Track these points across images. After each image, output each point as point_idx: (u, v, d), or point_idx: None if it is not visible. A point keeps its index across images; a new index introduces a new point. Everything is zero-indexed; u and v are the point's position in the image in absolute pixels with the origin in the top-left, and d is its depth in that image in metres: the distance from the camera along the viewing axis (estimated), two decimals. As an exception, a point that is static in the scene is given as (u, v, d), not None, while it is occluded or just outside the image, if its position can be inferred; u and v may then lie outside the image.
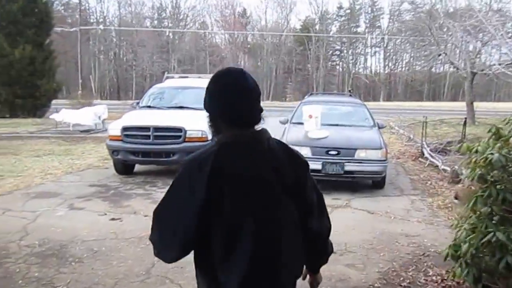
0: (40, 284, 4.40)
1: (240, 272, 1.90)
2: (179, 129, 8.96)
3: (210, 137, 9.01)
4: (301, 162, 2.13)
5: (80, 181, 8.91)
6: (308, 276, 2.35)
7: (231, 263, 1.91)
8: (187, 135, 8.94)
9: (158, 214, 1.99)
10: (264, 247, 1.94)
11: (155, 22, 68.97)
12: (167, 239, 1.94)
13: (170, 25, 67.82)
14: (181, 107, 10.03)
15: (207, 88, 2.03)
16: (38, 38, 25.77)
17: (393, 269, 4.95)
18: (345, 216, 6.88)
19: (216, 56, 65.06)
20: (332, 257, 4.66)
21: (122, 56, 65.41)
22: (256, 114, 2.01)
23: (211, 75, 2.15)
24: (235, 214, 1.91)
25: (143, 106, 10.62)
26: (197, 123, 8.80)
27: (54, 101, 26.90)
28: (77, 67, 46.90)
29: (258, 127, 2.04)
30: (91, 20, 64.13)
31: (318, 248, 2.23)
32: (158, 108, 10.31)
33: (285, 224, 2.02)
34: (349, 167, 8.24)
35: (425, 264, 5.10)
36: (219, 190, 1.88)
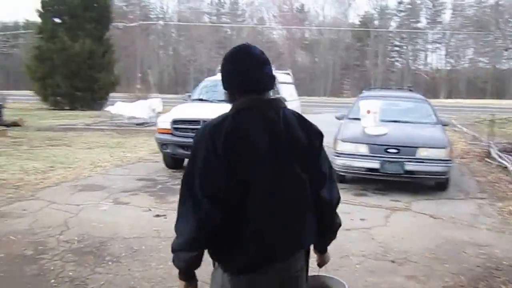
0: (72, 284, 4.10)
1: (253, 236, 1.95)
2: (230, 123, 8.56)
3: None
4: (316, 132, 2.17)
5: (129, 175, 8.71)
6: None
7: (243, 225, 1.96)
8: (238, 129, 8.50)
9: (187, 181, 1.99)
10: (275, 212, 1.99)
11: (214, 17, 69.37)
12: (197, 203, 1.93)
13: (228, 20, 68.07)
14: (233, 101, 9.62)
15: (221, 66, 2.11)
16: (98, 32, 26.24)
17: (460, 284, 4.34)
18: (405, 220, 6.27)
19: (273, 51, 64.70)
20: (390, 267, 4.03)
21: (181, 51, 66.18)
22: (266, 79, 2.08)
23: None
24: (247, 177, 1.95)
25: (195, 99, 10.31)
26: (248, 117, 8.42)
27: (112, 94, 27.35)
28: (137, 61, 47.74)
29: (273, 95, 2.12)
30: (151, 16, 65.22)
31: (327, 219, 2.22)
32: (210, 101, 9.94)
33: (296, 191, 2.06)
34: (410, 166, 7.58)
35: (499, 279, 4.45)
36: (234, 151, 1.93)
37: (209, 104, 9.67)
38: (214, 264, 2.11)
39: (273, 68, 2.25)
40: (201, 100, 10.16)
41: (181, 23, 61.11)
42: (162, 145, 8.83)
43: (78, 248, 4.95)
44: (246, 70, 2.04)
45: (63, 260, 4.63)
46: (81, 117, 20.75)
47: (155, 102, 18.20)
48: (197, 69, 62.90)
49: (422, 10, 68.84)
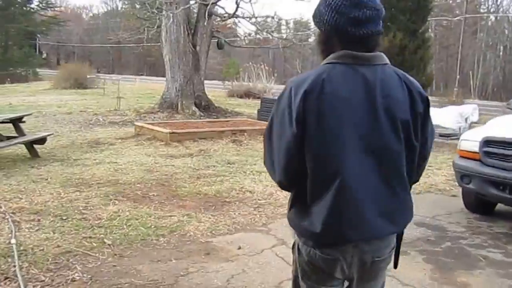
0: None
1: (329, 211, 1.84)
2: None
3: None
4: (421, 95, 1.96)
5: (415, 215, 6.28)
6: None
7: (325, 194, 1.85)
8: None
9: (265, 134, 1.99)
10: (362, 184, 1.85)
11: None
12: (273, 160, 1.93)
13: None
14: None
15: (324, 0, 1.90)
16: (412, 25, 23.85)
17: None
18: None
19: None
20: None
21: (513, 51, 58.73)
22: (376, 36, 1.92)
23: None
24: (329, 142, 1.83)
25: (527, 108, 7.13)
26: None
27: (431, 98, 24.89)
28: (458, 62, 43.92)
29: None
30: (482, 10, 59.63)
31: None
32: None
33: (389, 162, 1.89)
34: None
35: None
36: (312, 113, 1.81)
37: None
38: (294, 235, 2.05)
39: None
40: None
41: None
42: (463, 176, 5.95)
43: None
44: (366, 20, 1.86)
45: None
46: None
47: (468, 109, 15.07)
48: (534, 73, 54.76)
49: None
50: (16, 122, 8.80)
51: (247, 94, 27.92)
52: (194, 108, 15.78)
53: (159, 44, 23.19)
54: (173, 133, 10.32)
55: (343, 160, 1.81)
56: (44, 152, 9.18)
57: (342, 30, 1.86)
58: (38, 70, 43.81)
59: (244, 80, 30.65)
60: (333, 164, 1.82)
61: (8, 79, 33.97)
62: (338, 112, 1.80)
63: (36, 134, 9.13)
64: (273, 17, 15.08)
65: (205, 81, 17.55)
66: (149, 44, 31.42)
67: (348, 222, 1.84)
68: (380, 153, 1.86)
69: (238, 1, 14.19)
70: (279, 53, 48.22)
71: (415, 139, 1.92)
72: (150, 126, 11.00)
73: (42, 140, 8.89)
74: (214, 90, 31.65)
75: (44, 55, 58.51)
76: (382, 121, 1.84)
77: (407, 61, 23.52)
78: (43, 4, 48.35)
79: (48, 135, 9.19)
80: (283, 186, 2.00)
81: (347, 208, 1.83)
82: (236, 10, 14.38)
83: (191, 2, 15.29)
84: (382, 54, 1.94)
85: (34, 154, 8.82)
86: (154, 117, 14.94)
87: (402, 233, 2.09)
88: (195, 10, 17.01)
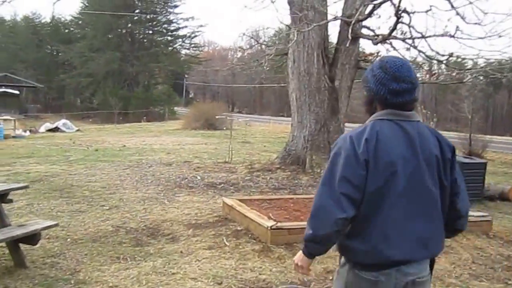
0: None
1: (382, 236, 2.08)
2: None
3: None
4: (448, 145, 2.23)
5: None
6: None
7: (375, 224, 2.09)
8: None
9: (326, 182, 2.13)
10: (405, 217, 2.10)
11: None
12: (336, 202, 2.06)
13: None
14: None
15: (371, 70, 2.23)
16: None
17: None
18: None
19: None
20: None
21: None
22: (412, 103, 2.21)
23: None
24: (383, 176, 2.08)
25: None
26: None
27: None
28: None
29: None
30: None
31: (459, 226, 2.31)
32: None
33: (427, 199, 2.15)
34: None
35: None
36: (373, 155, 2.08)
37: None
38: (340, 261, 2.26)
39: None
40: None
41: None
42: None
43: None
44: (403, 91, 2.15)
45: None
46: None
47: None
48: None
49: None
50: (-8, 203, 4.62)
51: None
52: (327, 166, 10.84)
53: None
54: (277, 229, 5.45)
55: (392, 191, 2.08)
56: (50, 253, 5.01)
57: (382, 98, 2.18)
58: (180, 108, 42.13)
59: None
60: (383, 193, 2.08)
61: (144, 117, 32.02)
62: (390, 155, 2.09)
63: (24, 226, 4.72)
64: (445, 35, 9.42)
65: (349, 125, 12.45)
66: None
67: (392, 245, 2.06)
68: (420, 189, 2.12)
69: (400, 13, 8.94)
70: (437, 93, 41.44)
71: (445, 179, 2.20)
72: (243, 210, 6.15)
73: (32, 239, 4.60)
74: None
75: (191, 95, 57.81)
76: (421, 164, 2.13)
77: None
78: (186, 43, 47.42)
79: (49, 227, 4.83)
80: (347, 222, 2.08)
81: (393, 238, 2.07)
82: (396, 25, 9.16)
83: (329, 18, 10.49)
84: (416, 113, 2.23)
85: (18, 261, 4.61)
86: (270, 178, 10.23)
87: (434, 262, 2.23)
88: (332, 34, 12.25)
